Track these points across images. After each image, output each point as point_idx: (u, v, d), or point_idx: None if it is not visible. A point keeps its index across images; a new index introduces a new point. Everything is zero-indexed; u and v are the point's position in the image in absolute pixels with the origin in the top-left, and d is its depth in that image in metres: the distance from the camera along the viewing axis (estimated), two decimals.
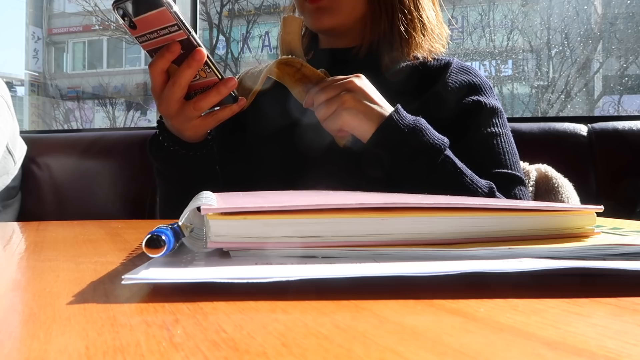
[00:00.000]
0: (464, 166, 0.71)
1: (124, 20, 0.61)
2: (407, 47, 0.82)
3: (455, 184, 0.69)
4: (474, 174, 0.71)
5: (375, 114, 0.68)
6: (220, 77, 0.66)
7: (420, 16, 0.83)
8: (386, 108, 0.69)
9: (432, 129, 0.70)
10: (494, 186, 0.72)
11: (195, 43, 0.63)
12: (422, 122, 0.70)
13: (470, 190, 0.69)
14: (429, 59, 0.85)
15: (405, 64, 0.84)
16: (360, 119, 0.67)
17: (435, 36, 0.85)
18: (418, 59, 0.85)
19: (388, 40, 0.82)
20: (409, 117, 0.69)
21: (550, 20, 5.62)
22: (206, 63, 0.64)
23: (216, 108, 0.70)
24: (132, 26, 0.61)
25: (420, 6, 0.83)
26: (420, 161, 0.68)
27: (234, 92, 0.68)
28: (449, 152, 0.70)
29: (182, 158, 0.76)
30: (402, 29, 0.81)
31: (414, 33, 0.82)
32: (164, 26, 0.61)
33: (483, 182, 0.71)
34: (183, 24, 0.60)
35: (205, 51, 0.64)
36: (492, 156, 0.78)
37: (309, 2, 0.80)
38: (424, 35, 0.83)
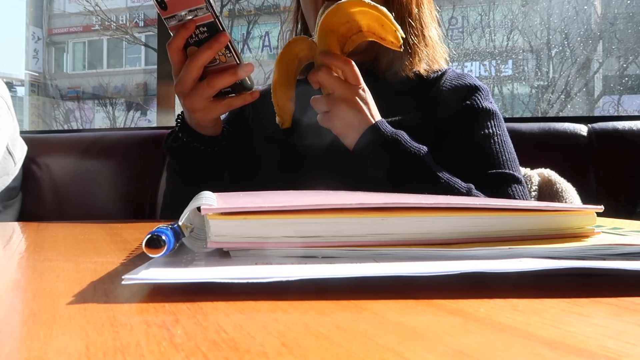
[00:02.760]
0: (441, 170, 0.72)
1: (156, 0, 0.63)
2: (410, 62, 0.83)
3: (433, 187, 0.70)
4: (452, 177, 0.72)
5: (360, 126, 0.70)
6: (239, 63, 0.68)
7: (424, 34, 0.84)
8: (370, 120, 0.71)
9: (410, 140, 0.72)
10: (473, 187, 0.73)
11: (220, 27, 0.64)
12: (401, 134, 0.72)
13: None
14: (427, 74, 0.86)
15: (404, 77, 0.85)
16: (346, 129, 0.71)
17: (437, 54, 0.86)
18: (416, 73, 0.85)
19: (392, 54, 0.83)
20: (389, 129, 0.71)
21: (550, 20, 5.62)
22: (228, 48, 0.66)
23: (231, 95, 0.71)
24: (163, 7, 0.63)
25: (424, 23, 0.84)
26: (399, 171, 0.71)
27: (250, 80, 0.69)
28: (427, 159, 0.72)
29: (194, 151, 0.77)
30: (410, 42, 0.82)
31: (417, 48, 0.83)
32: (193, 8, 0.63)
33: (462, 184, 0.72)
34: (211, 6, 0.63)
35: (228, 35, 0.65)
36: (486, 158, 0.78)
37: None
38: (425, 52, 0.84)
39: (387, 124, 0.72)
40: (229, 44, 0.65)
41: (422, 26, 0.84)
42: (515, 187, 0.77)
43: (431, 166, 0.72)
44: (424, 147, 0.72)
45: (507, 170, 0.77)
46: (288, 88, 0.74)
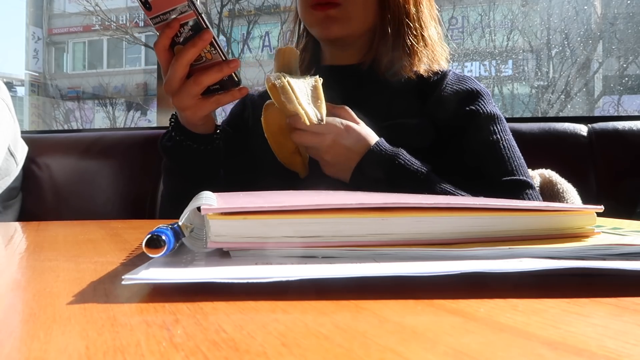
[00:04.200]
0: (446, 187, 0.72)
1: (140, 1, 0.64)
2: (409, 63, 0.83)
3: None
4: (453, 189, 0.72)
5: (348, 167, 0.71)
6: (224, 59, 0.68)
7: (423, 34, 0.84)
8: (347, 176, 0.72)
9: (404, 167, 0.72)
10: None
11: (203, 25, 0.65)
12: (401, 156, 0.72)
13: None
14: (427, 75, 0.86)
15: (404, 78, 0.84)
16: (336, 169, 0.72)
17: (437, 54, 0.85)
18: (417, 74, 0.85)
19: (391, 55, 0.83)
20: (386, 155, 0.71)
21: (550, 20, 5.62)
22: (212, 44, 0.66)
23: (219, 93, 0.71)
24: (148, 7, 0.64)
25: (423, 23, 0.84)
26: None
27: (237, 77, 0.69)
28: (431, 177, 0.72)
29: (186, 149, 0.77)
30: (408, 42, 0.82)
31: (417, 49, 0.83)
32: (177, 7, 0.64)
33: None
34: (193, 4, 0.63)
35: (212, 32, 0.66)
36: (496, 164, 0.78)
37: (317, 10, 0.80)
38: (425, 53, 0.84)
39: (358, 174, 0.71)
40: (213, 41, 0.66)
41: (421, 26, 0.84)
42: (530, 193, 0.77)
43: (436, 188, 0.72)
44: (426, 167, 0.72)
45: (520, 177, 0.77)
46: (286, 145, 0.73)
